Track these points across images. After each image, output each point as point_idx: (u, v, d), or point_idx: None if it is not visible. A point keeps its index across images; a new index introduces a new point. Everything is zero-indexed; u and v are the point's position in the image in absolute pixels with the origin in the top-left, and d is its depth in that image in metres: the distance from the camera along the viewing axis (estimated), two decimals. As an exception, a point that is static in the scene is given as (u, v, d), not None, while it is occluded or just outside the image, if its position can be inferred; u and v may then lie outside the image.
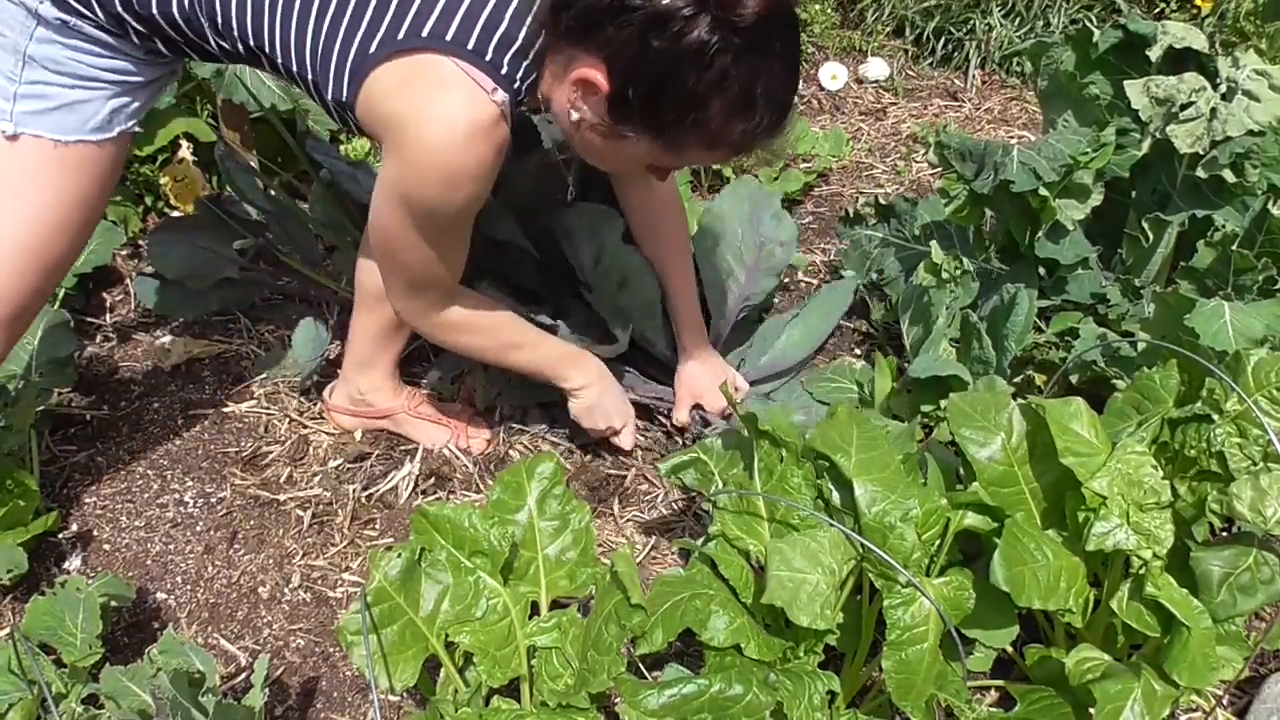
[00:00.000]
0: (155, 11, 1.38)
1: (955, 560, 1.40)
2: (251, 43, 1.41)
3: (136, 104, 1.48)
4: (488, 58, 1.33)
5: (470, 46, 1.33)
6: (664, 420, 1.99)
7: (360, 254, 1.80)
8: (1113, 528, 1.29)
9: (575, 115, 1.39)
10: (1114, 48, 1.96)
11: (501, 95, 1.35)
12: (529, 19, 1.34)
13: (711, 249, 2.05)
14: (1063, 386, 1.83)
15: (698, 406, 1.93)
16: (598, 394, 1.83)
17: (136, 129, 1.51)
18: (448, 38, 1.32)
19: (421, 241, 1.48)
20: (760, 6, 1.25)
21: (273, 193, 2.20)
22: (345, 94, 1.38)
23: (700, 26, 1.25)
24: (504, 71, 1.35)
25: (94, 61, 1.40)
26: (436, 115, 1.34)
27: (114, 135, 1.45)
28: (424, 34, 1.32)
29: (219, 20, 1.39)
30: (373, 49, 1.34)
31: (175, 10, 1.38)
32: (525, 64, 1.37)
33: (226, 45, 1.43)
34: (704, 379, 1.92)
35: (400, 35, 1.33)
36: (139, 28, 1.39)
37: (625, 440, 1.89)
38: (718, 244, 2.05)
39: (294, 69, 1.42)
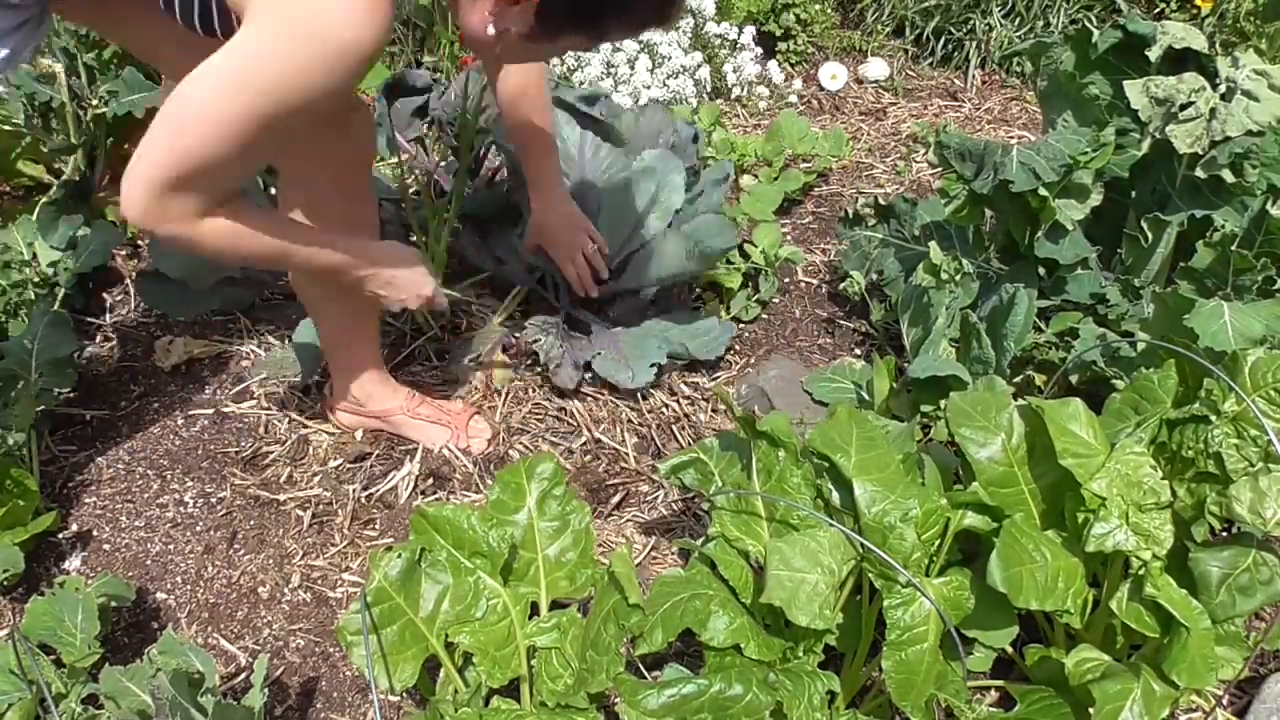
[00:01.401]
0: None
1: (955, 560, 1.40)
2: None
3: (4, 52, 1.35)
4: None
5: None
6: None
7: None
8: (1112, 528, 1.29)
9: (495, 29, 1.34)
10: (1114, 48, 1.96)
11: None
12: None
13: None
14: (1062, 387, 1.83)
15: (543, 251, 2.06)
16: (390, 269, 1.61)
17: (9, 77, 1.41)
18: None
19: (234, 128, 1.23)
20: None
21: (273, 191, 2.19)
22: None
23: None
24: None
25: None
26: None
27: None
28: None
29: None
30: None
31: None
32: None
33: None
34: (548, 217, 2.01)
35: None
36: None
37: (440, 301, 1.71)
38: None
39: None
